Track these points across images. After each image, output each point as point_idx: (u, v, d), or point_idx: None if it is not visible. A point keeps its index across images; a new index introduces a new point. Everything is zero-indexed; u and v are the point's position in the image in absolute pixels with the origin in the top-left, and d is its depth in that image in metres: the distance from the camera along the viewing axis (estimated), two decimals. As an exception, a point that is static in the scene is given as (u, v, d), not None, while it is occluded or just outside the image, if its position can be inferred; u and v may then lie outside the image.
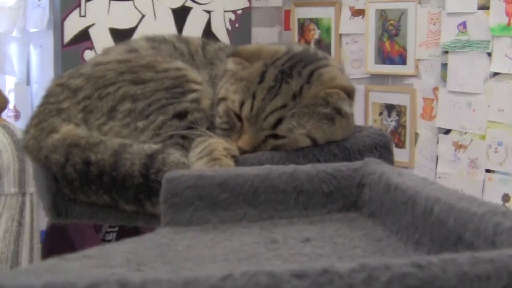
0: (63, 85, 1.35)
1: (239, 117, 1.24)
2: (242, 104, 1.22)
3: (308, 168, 0.96)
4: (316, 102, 1.22)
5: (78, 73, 1.36)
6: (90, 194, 1.19)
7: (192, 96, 1.31)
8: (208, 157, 1.15)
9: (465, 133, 3.50)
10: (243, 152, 1.20)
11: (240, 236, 0.85)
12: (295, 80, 1.22)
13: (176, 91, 1.31)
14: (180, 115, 1.28)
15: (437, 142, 3.50)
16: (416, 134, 3.58)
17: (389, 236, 0.82)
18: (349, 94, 1.22)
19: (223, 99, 1.27)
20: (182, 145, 1.25)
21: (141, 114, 1.27)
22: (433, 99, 3.62)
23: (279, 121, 1.20)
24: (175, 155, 1.18)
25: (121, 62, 1.36)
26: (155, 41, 1.49)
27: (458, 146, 3.52)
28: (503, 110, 3.34)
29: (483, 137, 3.43)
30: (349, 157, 1.24)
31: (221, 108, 1.27)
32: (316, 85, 1.22)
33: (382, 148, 1.26)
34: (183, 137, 1.26)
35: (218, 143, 1.20)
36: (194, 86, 1.34)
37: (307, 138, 1.22)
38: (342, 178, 0.96)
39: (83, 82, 1.33)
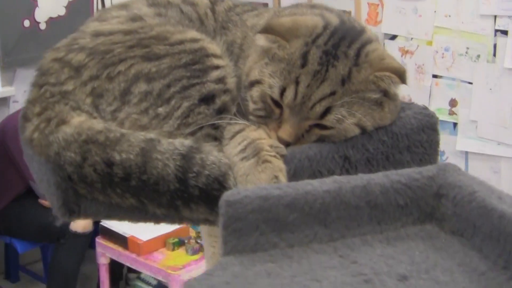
0: (61, 60, 1.17)
1: (277, 104, 1.10)
2: (283, 90, 1.08)
3: (381, 179, 0.86)
4: (367, 87, 1.09)
5: (78, 46, 1.18)
6: (113, 196, 1.05)
7: (216, 74, 1.16)
8: (255, 159, 1.02)
9: (412, 38, 3.53)
10: (285, 144, 1.08)
11: (324, 272, 0.75)
12: (342, 62, 1.09)
13: (197, 68, 1.16)
14: (207, 99, 1.13)
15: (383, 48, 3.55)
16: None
17: (492, 269, 0.73)
18: (401, 77, 1.10)
19: (258, 82, 1.12)
20: (214, 136, 1.12)
21: (160, 97, 1.12)
22: (378, 5, 3.62)
23: (327, 111, 1.07)
24: (213, 153, 1.05)
25: (127, 34, 1.19)
26: (159, 6, 1.32)
27: (405, 52, 3.57)
28: (449, 16, 3.36)
29: (429, 43, 3.47)
30: (397, 142, 1.14)
31: (255, 93, 1.12)
32: (365, 67, 1.09)
33: (429, 129, 1.16)
34: (215, 126, 1.13)
35: (262, 140, 1.07)
36: (216, 62, 1.19)
37: (357, 127, 1.09)
38: (417, 188, 0.86)
39: (87, 58, 1.15)
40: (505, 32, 3.20)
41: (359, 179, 0.85)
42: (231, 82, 1.18)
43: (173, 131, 1.10)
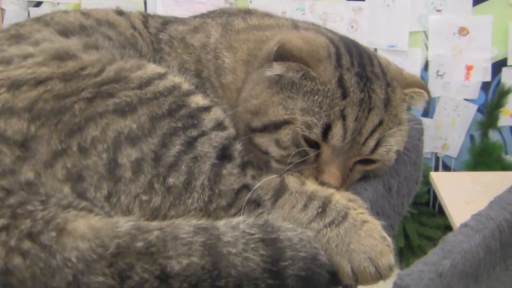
0: None
1: (312, 144, 0.96)
2: (326, 129, 0.94)
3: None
4: (400, 107, 1.01)
5: (6, 108, 0.85)
6: None
7: (210, 117, 0.95)
8: (349, 222, 0.87)
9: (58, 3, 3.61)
10: None
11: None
12: (377, 84, 0.97)
13: (185, 114, 0.93)
14: (225, 154, 0.93)
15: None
16: None
17: None
18: (427, 90, 1.04)
19: (286, 122, 0.96)
20: (256, 201, 0.92)
21: (160, 163, 0.87)
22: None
23: (377, 143, 0.97)
24: (288, 226, 0.85)
25: (68, 80, 0.89)
26: (77, 33, 1.01)
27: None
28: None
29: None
30: (407, 157, 1.08)
31: (285, 136, 0.96)
32: (396, 86, 1.01)
33: (421, 136, 1.11)
34: (249, 187, 0.92)
35: (331, 193, 0.92)
36: (200, 101, 0.97)
37: (395, 154, 1.01)
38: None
39: (31, 125, 0.84)
40: None
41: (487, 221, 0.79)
42: (228, 123, 0.98)
43: (206, 206, 0.89)
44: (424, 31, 4.00)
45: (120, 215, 0.86)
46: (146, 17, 1.13)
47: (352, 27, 3.84)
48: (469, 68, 4.06)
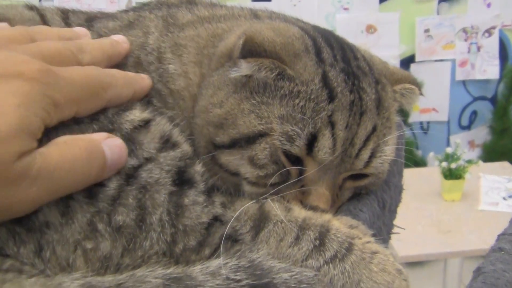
0: None
1: (294, 160, 0.77)
2: (311, 140, 0.75)
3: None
4: (392, 108, 0.84)
5: None
6: None
7: (152, 135, 0.73)
8: (355, 254, 0.69)
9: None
10: None
11: None
12: (366, 82, 0.80)
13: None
14: (183, 180, 0.72)
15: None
16: None
17: None
18: (419, 86, 0.88)
19: (261, 135, 0.76)
20: (233, 238, 0.73)
21: (97, 197, 0.68)
22: None
23: (372, 154, 0.79)
24: (281, 266, 0.66)
25: None
26: None
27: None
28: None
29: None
30: (395, 166, 0.92)
31: (261, 153, 0.76)
32: (385, 83, 0.83)
33: (403, 141, 0.94)
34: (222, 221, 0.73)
35: (327, 220, 0.73)
36: (137, 116, 0.75)
37: (389, 165, 0.84)
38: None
39: None
40: None
41: None
42: (178, 138, 0.76)
43: (171, 248, 0.69)
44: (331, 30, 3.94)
45: (59, 273, 0.63)
46: (66, 13, 0.90)
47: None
48: (378, 66, 4.04)
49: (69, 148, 0.65)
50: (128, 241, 0.67)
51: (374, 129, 0.79)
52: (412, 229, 3.26)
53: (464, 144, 4.34)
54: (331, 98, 0.76)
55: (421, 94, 0.88)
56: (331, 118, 0.75)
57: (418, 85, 0.88)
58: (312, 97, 0.76)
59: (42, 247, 0.64)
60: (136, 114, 0.74)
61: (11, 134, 0.59)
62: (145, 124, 0.74)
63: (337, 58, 0.80)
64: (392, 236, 3.06)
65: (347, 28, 4.08)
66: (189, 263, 0.67)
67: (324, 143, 0.75)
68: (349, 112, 0.76)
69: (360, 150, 0.78)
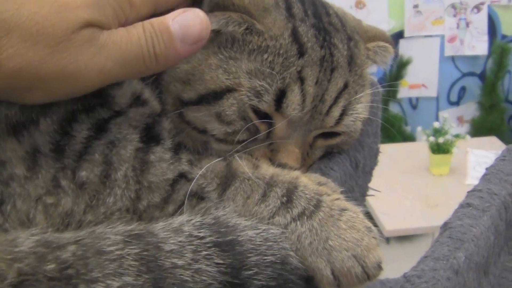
0: None
1: (263, 116, 0.76)
2: (280, 96, 0.74)
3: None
4: (365, 65, 0.82)
5: None
6: None
7: (124, 92, 0.73)
8: (323, 211, 0.68)
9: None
10: None
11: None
12: (338, 38, 0.78)
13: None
14: (150, 136, 0.71)
15: None
16: None
17: None
18: (392, 44, 0.87)
19: (229, 90, 0.75)
20: (199, 195, 0.72)
21: (63, 153, 0.67)
22: None
23: (343, 112, 0.78)
24: (247, 223, 0.65)
25: None
26: None
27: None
28: None
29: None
30: (369, 126, 0.90)
31: (229, 108, 0.75)
32: (358, 39, 0.82)
33: (379, 101, 0.92)
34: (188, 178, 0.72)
35: (295, 177, 0.71)
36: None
37: (361, 123, 0.82)
38: None
39: None
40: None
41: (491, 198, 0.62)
42: (148, 96, 0.76)
43: (134, 204, 0.67)
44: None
45: (19, 229, 0.62)
46: None
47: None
48: (367, 41, 4.02)
49: (135, 28, 0.67)
50: (91, 198, 0.65)
51: (345, 86, 0.78)
52: (400, 203, 3.27)
53: (453, 120, 4.34)
54: (301, 53, 0.75)
55: (395, 52, 0.87)
56: (300, 74, 0.74)
57: (392, 44, 0.86)
58: (281, 52, 0.75)
59: (3, 201, 0.63)
60: None
61: (83, 5, 0.63)
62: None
63: (308, 13, 0.79)
64: (379, 211, 3.04)
65: (336, 3, 4.04)
66: (152, 220, 0.66)
67: (293, 98, 0.74)
68: (319, 68, 0.75)
69: (330, 107, 0.77)
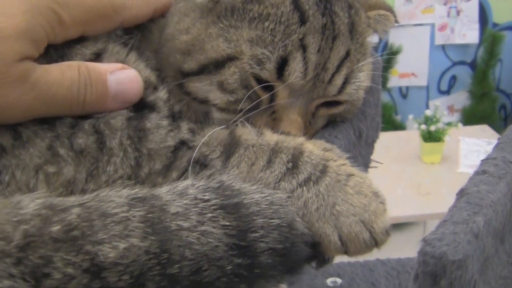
0: None
1: (265, 86, 0.75)
2: (282, 64, 0.73)
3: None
4: (366, 33, 0.82)
5: None
6: None
7: (107, 59, 0.73)
8: (330, 177, 0.67)
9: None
10: None
11: None
12: (339, 6, 0.78)
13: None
14: (143, 105, 0.71)
15: None
16: None
17: None
18: (394, 13, 0.87)
19: (230, 58, 0.74)
20: (202, 163, 0.71)
21: (54, 122, 0.67)
22: None
23: (345, 80, 0.77)
24: (252, 187, 0.64)
25: None
26: None
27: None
28: None
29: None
30: (370, 95, 0.89)
31: (230, 77, 0.74)
32: (358, 7, 0.82)
33: (379, 72, 0.91)
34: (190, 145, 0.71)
35: (302, 144, 0.70)
36: (89, 47, 0.74)
37: (364, 92, 0.82)
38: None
39: None
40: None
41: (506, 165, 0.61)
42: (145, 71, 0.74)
43: (135, 172, 0.66)
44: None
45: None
46: None
47: None
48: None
49: (70, 70, 0.66)
50: (91, 165, 0.65)
51: (347, 54, 0.77)
52: (392, 191, 3.27)
53: (444, 109, 4.35)
54: (303, 21, 0.74)
55: (396, 21, 0.86)
56: (302, 41, 0.74)
57: (393, 12, 0.86)
58: (282, 19, 0.74)
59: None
60: (88, 47, 0.73)
61: (15, 34, 0.61)
62: (97, 57, 0.73)
63: None
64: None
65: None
66: (156, 186, 0.65)
67: (295, 66, 0.73)
68: (321, 36, 0.74)
69: (333, 75, 0.76)
